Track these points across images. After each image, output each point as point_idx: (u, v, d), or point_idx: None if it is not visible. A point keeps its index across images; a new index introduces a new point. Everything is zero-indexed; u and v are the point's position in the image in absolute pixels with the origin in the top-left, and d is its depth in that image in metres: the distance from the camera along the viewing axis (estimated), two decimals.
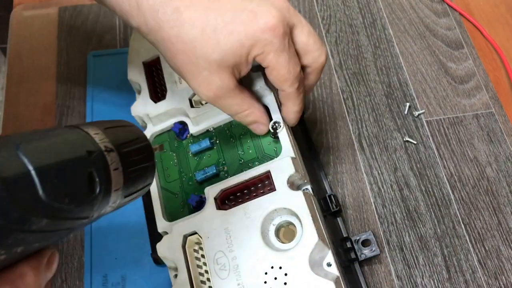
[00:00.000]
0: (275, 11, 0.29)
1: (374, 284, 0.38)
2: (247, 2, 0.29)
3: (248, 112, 0.33)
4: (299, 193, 0.31)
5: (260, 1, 0.29)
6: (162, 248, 0.33)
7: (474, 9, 0.53)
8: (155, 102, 0.38)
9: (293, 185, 0.33)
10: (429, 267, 0.39)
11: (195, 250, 0.33)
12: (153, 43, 0.31)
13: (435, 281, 0.38)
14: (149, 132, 0.38)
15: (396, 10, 0.52)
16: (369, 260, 0.38)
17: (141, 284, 0.38)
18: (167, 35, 0.29)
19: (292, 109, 0.33)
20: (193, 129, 0.37)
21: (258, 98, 0.34)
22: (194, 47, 0.29)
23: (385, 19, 0.52)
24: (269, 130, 0.34)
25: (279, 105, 0.35)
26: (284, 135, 0.34)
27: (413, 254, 0.39)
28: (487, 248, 0.39)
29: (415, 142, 0.44)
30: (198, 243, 0.33)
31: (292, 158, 0.33)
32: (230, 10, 0.29)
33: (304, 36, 0.31)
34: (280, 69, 0.30)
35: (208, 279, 0.31)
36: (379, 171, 0.43)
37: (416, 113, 0.45)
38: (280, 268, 0.30)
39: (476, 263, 0.39)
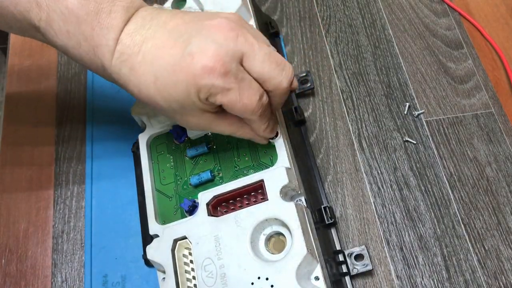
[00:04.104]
0: (213, 48, 0.28)
1: (373, 284, 0.38)
2: (186, 44, 0.28)
3: (240, 133, 0.33)
4: (291, 205, 0.31)
5: (200, 38, 0.28)
6: (151, 251, 0.33)
7: (473, 9, 0.53)
8: None
9: (286, 196, 0.33)
10: (429, 267, 0.39)
11: (184, 255, 0.33)
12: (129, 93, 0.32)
13: (435, 281, 0.38)
14: (147, 133, 0.38)
15: (396, 10, 0.52)
16: (361, 275, 0.38)
17: (141, 284, 0.38)
18: (132, 92, 0.30)
19: (260, 128, 0.32)
20: (191, 132, 0.37)
21: None
22: (156, 101, 0.30)
23: (385, 19, 0.52)
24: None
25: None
26: (280, 144, 0.34)
27: (413, 254, 0.39)
28: (486, 248, 0.39)
29: (414, 142, 0.44)
30: (188, 248, 0.33)
31: (287, 169, 0.33)
32: (172, 56, 0.28)
33: (257, 64, 0.29)
34: (234, 105, 0.29)
35: (195, 286, 0.31)
36: (379, 171, 0.43)
37: (416, 113, 0.46)
38: (267, 279, 0.29)
39: (476, 263, 0.39)
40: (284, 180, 0.32)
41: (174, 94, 0.29)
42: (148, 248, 0.33)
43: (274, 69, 0.30)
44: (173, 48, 0.29)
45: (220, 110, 0.31)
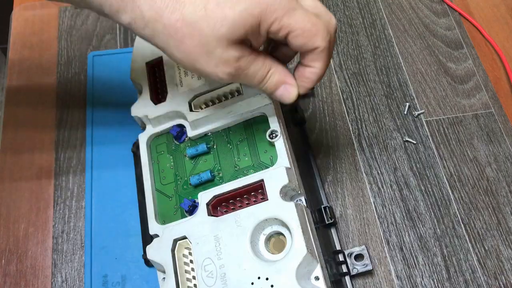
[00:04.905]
0: None
1: (373, 284, 0.38)
2: None
3: (272, 72, 0.30)
4: (291, 204, 0.31)
5: None
6: (151, 251, 0.33)
7: (473, 9, 0.53)
8: (155, 103, 0.38)
9: (286, 196, 0.32)
10: (429, 267, 0.39)
11: (184, 255, 0.33)
12: (151, 36, 0.29)
13: (435, 281, 0.38)
14: (147, 133, 0.38)
15: (396, 10, 0.52)
16: (361, 275, 0.38)
17: (141, 284, 0.38)
18: (169, 22, 0.27)
19: (321, 72, 0.30)
20: (191, 132, 0.37)
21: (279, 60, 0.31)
22: (201, 26, 0.27)
23: (385, 19, 0.52)
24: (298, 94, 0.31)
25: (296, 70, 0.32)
26: (280, 144, 0.34)
27: (413, 254, 0.39)
28: (486, 248, 0.39)
29: (414, 142, 0.44)
30: (188, 248, 0.33)
31: (287, 168, 0.33)
32: None
33: None
34: (304, 25, 0.28)
35: (195, 285, 0.31)
36: (379, 171, 0.43)
37: (416, 113, 0.46)
38: (267, 279, 0.29)
39: (476, 263, 0.39)
40: (284, 180, 0.32)
41: (230, 15, 0.27)
42: (148, 248, 0.33)
43: (322, 6, 0.30)
44: None
45: (256, 53, 0.30)
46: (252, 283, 0.30)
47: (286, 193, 0.33)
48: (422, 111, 0.46)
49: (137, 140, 0.39)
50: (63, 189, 0.42)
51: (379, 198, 0.41)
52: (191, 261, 0.32)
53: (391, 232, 0.40)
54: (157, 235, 0.34)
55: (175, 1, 0.27)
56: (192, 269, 0.32)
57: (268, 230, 0.32)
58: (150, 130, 0.39)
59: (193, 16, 0.27)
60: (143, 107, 0.38)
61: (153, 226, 0.35)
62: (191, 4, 0.27)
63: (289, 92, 0.31)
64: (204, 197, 0.33)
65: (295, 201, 0.33)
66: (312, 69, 0.30)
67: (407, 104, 0.46)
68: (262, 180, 0.32)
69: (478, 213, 0.41)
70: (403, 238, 0.40)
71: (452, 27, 0.51)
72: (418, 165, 0.43)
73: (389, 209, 0.41)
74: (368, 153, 0.44)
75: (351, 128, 0.45)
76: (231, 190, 0.33)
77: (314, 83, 0.31)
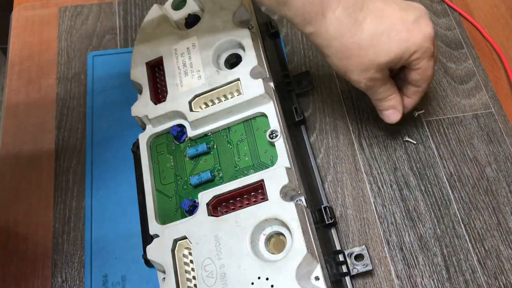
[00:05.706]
0: (431, 23, 0.35)
1: (374, 285, 0.38)
2: (408, 13, 0.34)
3: (391, 97, 0.38)
4: (291, 205, 0.31)
5: (415, 12, 0.35)
6: (151, 251, 0.33)
7: (474, 9, 0.53)
8: (155, 103, 0.38)
9: (286, 196, 0.32)
10: (429, 267, 0.39)
11: (184, 255, 0.33)
12: (323, 46, 0.35)
13: (435, 281, 0.38)
14: (147, 133, 0.38)
15: None
16: (361, 275, 0.38)
17: (141, 284, 0.38)
18: (346, 42, 0.34)
19: (415, 103, 0.39)
20: (191, 132, 0.37)
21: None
22: (368, 53, 0.34)
23: None
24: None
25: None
26: (280, 144, 0.34)
27: (413, 254, 0.39)
28: (486, 248, 0.39)
29: (414, 142, 0.44)
30: (188, 248, 0.33)
31: (287, 168, 0.33)
32: (398, 19, 0.34)
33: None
34: (428, 70, 0.36)
35: (196, 285, 0.31)
36: (379, 171, 0.43)
37: (416, 113, 0.45)
38: (267, 279, 0.29)
39: (476, 263, 0.39)
40: (284, 180, 0.32)
41: (394, 48, 0.34)
42: (148, 248, 0.33)
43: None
44: (395, 13, 0.34)
45: (387, 77, 0.37)
46: (252, 283, 0.30)
47: (286, 193, 0.33)
48: (422, 111, 0.46)
49: (137, 140, 0.39)
50: (63, 189, 0.42)
51: (379, 198, 0.41)
52: (191, 261, 0.32)
53: (391, 232, 0.40)
54: (157, 235, 0.34)
55: (355, 28, 0.33)
56: (192, 269, 0.32)
57: (268, 230, 0.32)
58: (150, 130, 0.39)
59: (366, 43, 0.34)
60: (143, 107, 0.38)
61: (153, 226, 0.35)
62: (368, 34, 0.33)
63: (394, 116, 0.39)
64: (204, 197, 0.33)
65: (295, 201, 0.33)
66: (410, 100, 0.39)
67: None
68: (262, 180, 0.33)
69: (478, 213, 0.41)
70: (403, 238, 0.40)
71: (452, 27, 0.51)
72: (418, 165, 0.43)
73: (389, 209, 0.41)
74: (368, 153, 0.44)
75: (351, 128, 0.45)
76: (231, 190, 0.33)
77: (408, 110, 0.40)
